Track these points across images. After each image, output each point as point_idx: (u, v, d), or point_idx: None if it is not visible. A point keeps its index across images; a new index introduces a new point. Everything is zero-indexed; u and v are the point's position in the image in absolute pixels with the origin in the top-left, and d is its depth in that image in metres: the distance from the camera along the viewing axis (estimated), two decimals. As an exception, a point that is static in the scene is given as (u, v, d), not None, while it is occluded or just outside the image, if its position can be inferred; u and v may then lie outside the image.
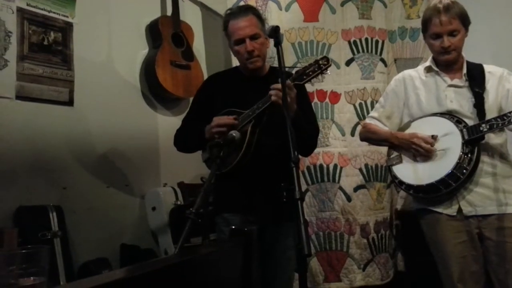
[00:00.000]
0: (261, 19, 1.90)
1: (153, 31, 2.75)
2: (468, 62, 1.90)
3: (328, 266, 2.66)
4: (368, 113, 2.83)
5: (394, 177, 1.89)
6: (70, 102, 2.39)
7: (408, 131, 1.89)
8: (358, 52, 2.90)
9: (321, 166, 2.77)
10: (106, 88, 2.56)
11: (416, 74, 1.97)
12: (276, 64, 2.83)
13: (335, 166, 2.77)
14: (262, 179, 1.78)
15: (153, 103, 2.77)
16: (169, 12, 2.90)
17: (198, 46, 3.04)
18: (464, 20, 1.81)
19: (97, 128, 2.47)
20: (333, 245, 2.70)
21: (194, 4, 3.14)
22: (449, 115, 1.80)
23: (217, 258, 0.91)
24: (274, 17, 2.86)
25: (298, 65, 2.86)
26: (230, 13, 1.89)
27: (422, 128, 1.85)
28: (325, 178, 2.75)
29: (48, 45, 2.37)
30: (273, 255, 1.82)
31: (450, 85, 1.86)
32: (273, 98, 1.64)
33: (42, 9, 2.36)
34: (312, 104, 2.81)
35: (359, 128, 2.83)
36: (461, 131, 1.71)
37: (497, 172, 1.74)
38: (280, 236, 1.83)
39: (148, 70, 2.67)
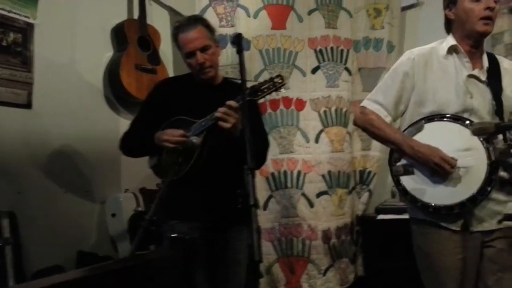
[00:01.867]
0: (210, 28, 1.91)
1: (119, 34, 2.72)
2: (486, 52, 1.69)
3: (290, 271, 2.70)
4: (332, 120, 2.92)
5: (400, 185, 1.66)
6: (28, 105, 2.33)
7: (420, 136, 1.62)
8: (324, 60, 2.96)
9: (285, 172, 2.81)
10: (68, 90, 2.51)
11: (432, 55, 1.68)
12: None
13: (299, 172, 2.81)
14: (214, 185, 1.80)
15: (116, 106, 2.73)
16: (136, 15, 2.87)
17: (166, 50, 3.02)
18: None
19: (56, 131, 2.41)
20: (294, 250, 2.74)
21: (162, 8, 3.12)
22: (470, 122, 1.58)
23: (156, 267, 0.91)
24: (242, 23, 2.88)
25: (265, 72, 2.89)
26: (178, 25, 1.88)
27: (439, 137, 1.59)
28: (289, 184, 2.79)
29: (6, 46, 2.30)
30: (224, 259, 1.84)
31: (471, 75, 1.63)
32: (221, 124, 1.66)
33: (1, 9, 2.29)
34: (278, 111, 2.88)
35: (323, 135, 2.89)
36: (487, 149, 1.52)
37: (503, 184, 1.60)
38: (230, 240, 1.85)
39: (112, 73, 2.64)
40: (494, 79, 1.62)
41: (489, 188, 1.53)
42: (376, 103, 1.73)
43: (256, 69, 2.88)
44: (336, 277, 2.74)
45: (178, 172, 1.71)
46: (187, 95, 1.90)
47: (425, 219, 1.65)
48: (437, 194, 1.57)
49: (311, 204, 2.78)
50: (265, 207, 2.78)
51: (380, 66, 3.06)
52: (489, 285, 1.60)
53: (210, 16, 2.86)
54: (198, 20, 1.89)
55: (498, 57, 1.70)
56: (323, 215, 2.78)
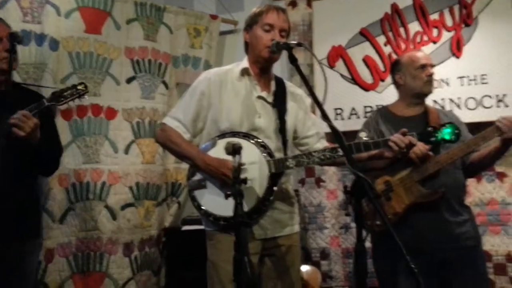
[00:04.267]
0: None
1: None
2: (275, 76, 1.84)
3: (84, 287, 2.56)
4: (145, 132, 2.91)
5: (195, 201, 1.72)
6: None
7: (214, 151, 1.70)
8: (140, 71, 2.95)
9: (87, 183, 2.67)
10: None
11: (227, 76, 1.78)
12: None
13: (104, 183, 2.71)
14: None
15: None
16: None
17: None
18: (289, 33, 1.79)
19: None
20: (91, 266, 2.62)
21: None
22: (256, 138, 1.70)
23: None
24: (51, 22, 2.67)
25: (74, 76, 2.73)
26: None
27: None
28: (91, 196, 2.67)
29: None
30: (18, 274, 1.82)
31: (260, 97, 1.76)
32: (16, 131, 1.67)
33: None
34: (85, 118, 2.74)
35: (133, 146, 2.86)
36: (268, 162, 1.65)
37: (285, 196, 1.77)
38: (24, 255, 1.85)
39: None
40: (279, 101, 1.78)
41: (270, 198, 1.66)
42: (176, 120, 1.78)
43: (64, 72, 2.70)
44: (136, 290, 2.71)
45: None
46: None
47: (216, 229, 1.72)
48: (227, 206, 1.54)
49: (114, 217, 2.70)
50: (62, 220, 2.59)
51: (197, 83, 3.20)
52: None
53: (13, 9, 2.58)
54: None
55: (286, 82, 1.87)
56: (126, 228, 2.73)
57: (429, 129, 1.67)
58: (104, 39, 2.84)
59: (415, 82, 2.00)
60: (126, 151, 2.82)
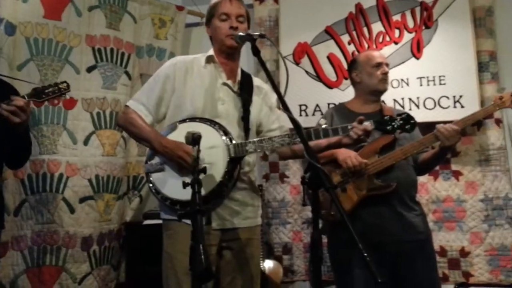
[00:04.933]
0: None
1: None
2: (242, 70, 1.86)
3: (39, 282, 2.47)
4: (105, 123, 2.83)
5: (152, 184, 1.68)
6: None
7: (173, 135, 1.68)
8: (102, 60, 2.86)
9: (44, 175, 2.58)
10: None
11: (193, 63, 1.80)
12: None
13: (61, 175, 2.62)
14: None
15: None
16: None
17: None
18: (248, 17, 1.81)
19: None
20: (47, 260, 2.53)
21: None
22: (218, 124, 1.69)
23: None
24: (8, 5, 2.55)
25: (31, 62, 2.62)
26: None
27: None
28: (48, 188, 2.57)
29: None
30: None
31: (224, 84, 1.77)
32: (11, 117, 1.74)
33: None
34: (42, 107, 2.63)
35: (93, 137, 2.78)
36: (228, 146, 1.63)
37: (248, 187, 1.75)
38: None
39: None
40: (245, 91, 1.80)
41: (229, 183, 1.63)
42: (139, 103, 1.77)
43: (20, 58, 2.59)
44: (94, 285, 2.63)
45: None
46: None
47: (172, 218, 1.66)
48: (184, 190, 1.47)
49: (71, 210, 2.61)
50: (17, 212, 2.48)
51: (161, 75, 3.13)
52: (223, 287, 1.69)
53: (-37, -11, 2.45)
54: None
55: (253, 77, 1.90)
56: (85, 221, 2.64)
57: (386, 117, 1.73)
58: (64, 25, 2.74)
59: (370, 80, 2.07)
60: (86, 142, 2.73)
